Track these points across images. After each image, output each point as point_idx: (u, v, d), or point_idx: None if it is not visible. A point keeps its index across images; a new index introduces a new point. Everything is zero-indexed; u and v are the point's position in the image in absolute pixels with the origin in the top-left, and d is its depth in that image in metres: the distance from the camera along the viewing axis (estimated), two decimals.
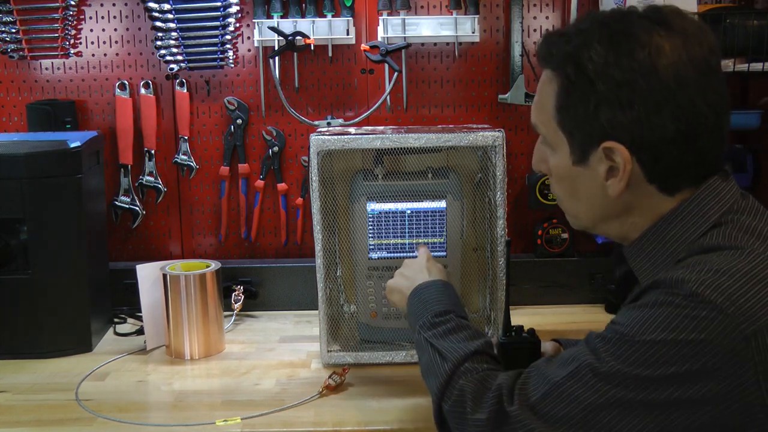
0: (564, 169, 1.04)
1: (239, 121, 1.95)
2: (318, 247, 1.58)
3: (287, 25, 1.88)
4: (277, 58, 1.90)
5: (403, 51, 1.91)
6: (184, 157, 1.97)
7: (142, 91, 1.94)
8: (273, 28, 1.87)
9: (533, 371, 1.00)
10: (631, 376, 0.89)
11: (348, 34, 1.89)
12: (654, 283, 0.93)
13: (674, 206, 1.00)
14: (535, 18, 1.95)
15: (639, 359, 0.89)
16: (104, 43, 1.94)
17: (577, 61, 0.97)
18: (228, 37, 1.89)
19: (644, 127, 0.95)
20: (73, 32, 1.90)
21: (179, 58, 1.89)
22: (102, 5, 1.93)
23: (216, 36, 1.89)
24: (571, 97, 0.99)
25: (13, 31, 1.87)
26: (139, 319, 1.80)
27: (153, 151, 1.96)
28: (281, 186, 1.99)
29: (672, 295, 0.89)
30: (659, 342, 0.88)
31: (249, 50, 1.95)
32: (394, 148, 1.55)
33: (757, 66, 1.71)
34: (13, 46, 1.88)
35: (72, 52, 1.91)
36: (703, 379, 0.86)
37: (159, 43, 1.88)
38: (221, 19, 1.87)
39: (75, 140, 1.66)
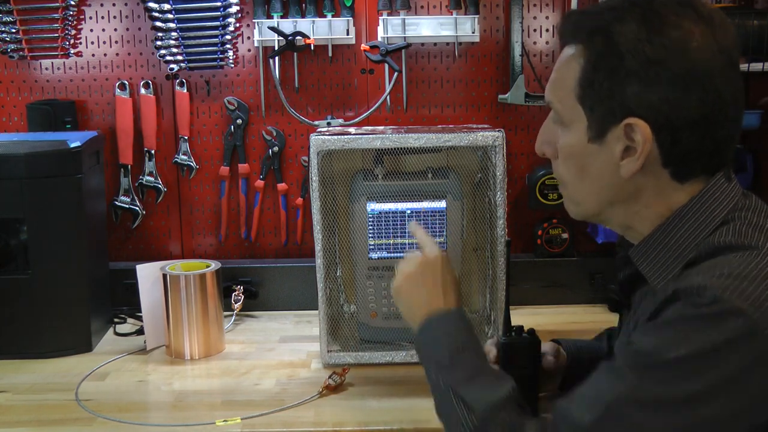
0: (576, 147, 1.02)
1: (239, 121, 1.95)
2: (318, 247, 1.58)
3: (287, 25, 1.88)
4: (277, 58, 1.90)
5: (403, 51, 1.91)
6: (184, 157, 1.97)
7: (142, 91, 1.94)
8: (273, 28, 1.87)
9: (559, 419, 0.95)
10: (675, 397, 0.86)
11: (348, 34, 1.89)
12: (674, 295, 0.90)
13: (681, 204, 0.99)
14: (535, 18, 1.95)
15: (677, 378, 0.86)
16: (104, 43, 1.94)
17: (608, 36, 0.96)
18: (228, 37, 1.89)
19: (670, 106, 0.94)
20: (73, 32, 1.90)
21: (179, 58, 1.89)
22: (102, 5, 1.93)
23: (216, 36, 1.89)
24: (599, 72, 0.98)
25: (13, 31, 1.87)
26: (139, 319, 1.80)
27: (153, 151, 1.96)
28: (281, 186, 1.99)
29: (696, 306, 0.87)
30: (693, 356, 0.86)
31: (249, 50, 1.95)
32: (394, 148, 1.55)
33: (757, 66, 1.71)
34: (13, 46, 1.88)
35: (72, 52, 1.91)
36: (739, 383, 0.85)
37: (159, 43, 1.88)
38: (221, 19, 1.87)
39: (75, 140, 1.66)
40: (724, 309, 0.85)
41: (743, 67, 1.71)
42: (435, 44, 1.95)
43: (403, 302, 1.24)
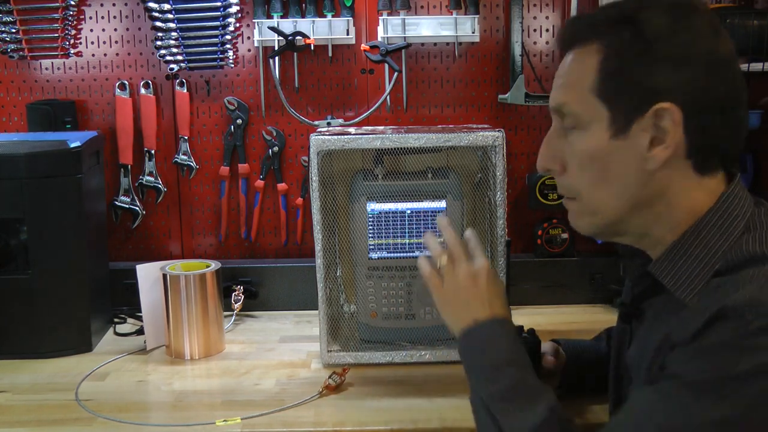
0: (597, 147, 1.00)
1: (239, 121, 1.95)
2: (318, 247, 1.58)
3: (287, 25, 1.88)
4: (277, 58, 1.90)
5: (403, 51, 1.91)
6: (184, 157, 1.97)
7: (142, 91, 1.94)
8: (273, 28, 1.87)
9: None
10: (739, 415, 0.84)
11: (348, 34, 1.90)
12: (720, 313, 0.87)
13: (701, 207, 0.99)
14: (535, 18, 1.95)
15: (740, 394, 0.84)
16: (104, 43, 1.94)
17: (636, 23, 0.97)
18: (228, 37, 1.89)
19: (699, 87, 0.96)
20: (73, 32, 1.91)
21: (179, 58, 1.89)
22: (102, 5, 1.93)
23: (216, 36, 1.89)
24: (624, 59, 0.97)
25: (13, 31, 1.87)
26: (139, 319, 1.80)
27: (153, 151, 1.96)
28: (281, 186, 1.99)
29: (750, 323, 0.85)
30: (755, 370, 0.84)
31: (249, 50, 1.95)
32: (394, 148, 1.55)
33: (757, 66, 1.71)
34: (13, 46, 1.88)
35: (72, 52, 1.91)
36: None
37: (159, 43, 1.88)
38: (221, 19, 1.87)
39: (75, 140, 1.66)
40: None
41: (743, 67, 1.71)
42: (435, 44, 1.95)
43: (449, 315, 1.19)
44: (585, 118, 1.01)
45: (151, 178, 1.97)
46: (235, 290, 1.88)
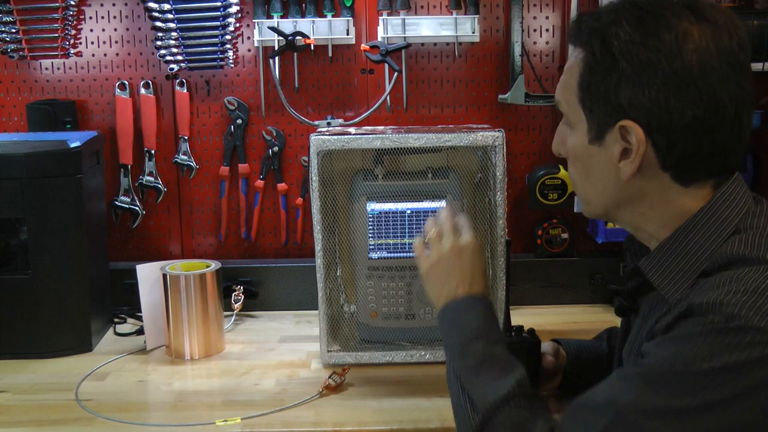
0: (580, 148, 1.04)
1: (239, 121, 1.95)
2: (318, 247, 1.58)
3: (287, 25, 1.88)
4: (277, 58, 1.90)
5: (403, 51, 1.91)
6: (184, 157, 1.97)
7: (142, 91, 1.94)
8: (273, 28, 1.87)
9: (568, 422, 0.95)
10: (685, 408, 0.86)
11: (348, 34, 1.89)
12: (688, 310, 0.90)
13: (691, 210, 0.98)
14: (535, 18, 1.95)
15: (689, 390, 0.86)
16: (104, 43, 1.94)
17: (603, 38, 0.97)
18: (228, 37, 1.89)
19: (662, 109, 0.94)
20: (73, 32, 1.91)
21: (179, 58, 1.89)
22: (102, 5, 1.93)
23: (216, 36, 1.89)
24: (594, 74, 0.98)
25: (13, 31, 1.87)
26: (139, 319, 1.80)
27: (153, 151, 1.96)
28: (281, 186, 1.99)
29: (711, 323, 0.86)
30: (707, 371, 0.85)
31: (249, 50, 1.95)
32: (394, 148, 1.55)
33: (757, 66, 1.71)
34: (13, 46, 1.88)
35: (72, 52, 1.91)
36: (753, 398, 0.85)
37: (159, 43, 1.88)
38: (221, 19, 1.87)
39: (75, 140, 1.66)
40: (740, 326, 0.85)
41: None
42: (435, 44, 1.95)
43: (430, 286, 1.22)
44: (572, 119, 1.04)
45: (151, 178, 1.97)
46: (235, 290, 1.88)
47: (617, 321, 1.22)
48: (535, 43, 1.96)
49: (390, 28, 1.89)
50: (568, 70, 1.04)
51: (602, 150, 1.00)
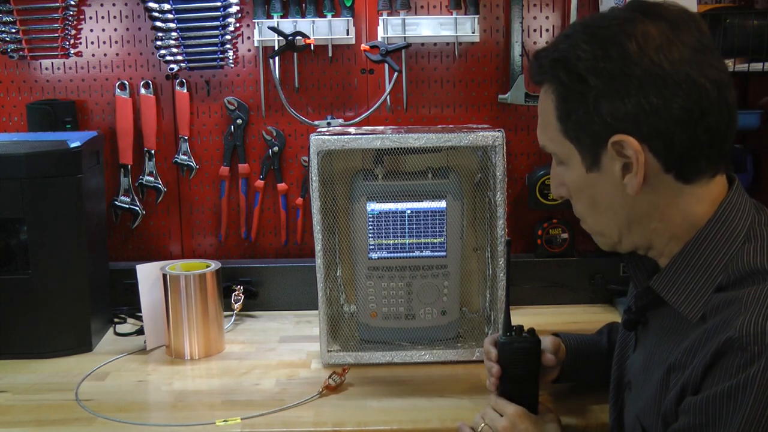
0: (580, 180, 1.02)
1: (239, 121, 1.95)
2: (318, 247, 1.58)
3: (287, 25, 1.88)
4: (277, 58, 1.90)
5: (403, 51, 1.91)
6: (184, 157, 1.97)
7: (142, 91, 1.94)
8: (273, 28, 1.87)
9: None
10: None
11: (348, 34, 1.90)
12: (727, 345, 0.87)
13: (698, 216, 0.98)
14: (535, 18, 1.95)
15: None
16: (104, 43, 1.94)
17: (566, 64, 0.96)
18: (228, 37, 1.89)
19: (648, 112, 0.93)
20: (73, 32, 1.91)
21: (179, 58, 1.89)
22: (102, 5, 1.93)
23: (216, 36, 1.89)
24: (569, 102, 0.97)
25: (13, 31, 1.87)
26: (139, 319, 1.80)
27: (153, 151, 1.96)
28: (281, 186, 1.99)
29: (757, 356, 0.85)
30: (755, 403, 0.84)
31: (249, 50, 1.95)
32: (394, 148, 1.55)
33: (757, 66, 1.71)
34: (13, 46, 1.88)
35: (72, 52, 1.91)
36: None
37: (159, 43, 1.88)
38: (221, 19, 1.87)
39: (75, 140, 1.66)
40: None
41: (743, 67, 1.71)
42: (435, 44, 1.95)
43: None
44: (563, 156, 1.03)
45: (151, 178, 1.97)
46: (235, 290, 1.88)
47: (617, 320, 1.22)
48: (535, 43, 1.96)
49: (390, 28, 1.89)
50: (542, 111, 1.03)
51: (602, 174, 0.99)
